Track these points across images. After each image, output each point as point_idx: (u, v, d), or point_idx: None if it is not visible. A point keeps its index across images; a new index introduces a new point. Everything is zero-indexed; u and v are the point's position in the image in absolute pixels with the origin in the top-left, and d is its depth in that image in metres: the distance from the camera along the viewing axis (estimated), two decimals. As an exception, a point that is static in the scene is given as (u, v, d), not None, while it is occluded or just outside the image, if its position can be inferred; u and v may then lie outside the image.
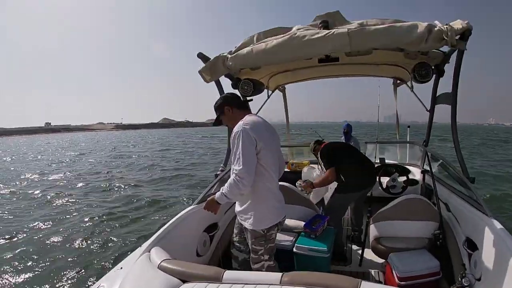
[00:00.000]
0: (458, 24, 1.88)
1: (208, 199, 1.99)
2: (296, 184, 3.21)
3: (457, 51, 2.25)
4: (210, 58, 2.42)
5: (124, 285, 1.44)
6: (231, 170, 1.93)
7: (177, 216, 2.25)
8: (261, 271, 2.06)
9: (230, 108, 2.04)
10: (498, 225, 1.87)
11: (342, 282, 1.37)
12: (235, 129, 1.91)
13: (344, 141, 5.41)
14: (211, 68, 2.41)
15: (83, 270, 4.19)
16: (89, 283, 3.67)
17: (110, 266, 1.85)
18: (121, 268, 1.70)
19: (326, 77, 4.07)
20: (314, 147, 3.44)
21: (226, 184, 1.91)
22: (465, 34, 1.89)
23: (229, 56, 2.34)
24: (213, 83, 2.73)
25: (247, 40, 2.35)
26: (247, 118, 1.97)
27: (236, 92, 2.83)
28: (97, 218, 6.44)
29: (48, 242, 5.25)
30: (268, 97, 4.03)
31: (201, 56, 2.47)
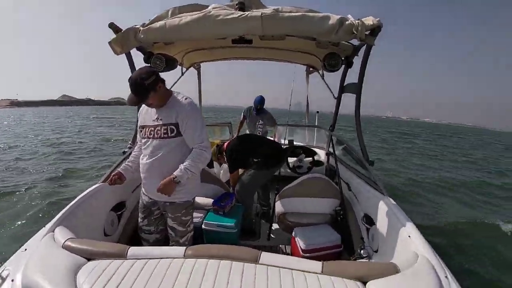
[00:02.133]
0: (369, 20, 2.03)
1: (162, 182, 1.96)
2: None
3: (366, 45, 2.45)
4: (122, 30, 2.37)
5: (28, 266, 1.44)
6: (195, 145, 2.02)
7: (82, 195, 2.20)
8: (185, 244, 2.19)
9: (161, 85, 1.99)
10: (392, 202, 2.16)
11: (243, 253, 1.51)
12: (188, 105, 2.01)
13: (255, 115, 5.38)
14: (122, 40, 2.35)
15: None
16: None
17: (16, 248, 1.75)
18: (25, 250, 1.68)
19: (240, 59, 4.22)
20: (218, 156, 3.35)
21: (189, 159, 1.99)
22: (375, 30, 2.07)
23: (142, 28, 2.30)
24: (123, 56, 2.66)
25: (162, 14, 2.34)
26: (181, 95, 2.09)
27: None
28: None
29: None
30: (182, 74, 4.07)
31: (113, 26, 2.40)
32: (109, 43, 2.38)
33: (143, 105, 2.17)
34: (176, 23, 2.19)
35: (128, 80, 1.94)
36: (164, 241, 2.36)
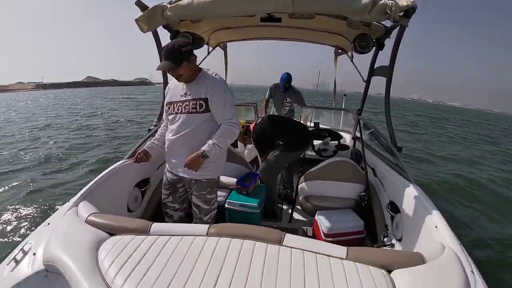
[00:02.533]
0: (403, 1, 1.97)
1: (190, 157, 1.95)
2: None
3: (399, 27, 2.39)
4: (148, 7, 2.36)
5: (51, 240, 1.46)
6: (224, 121, 2.03)
7: (106, 170, 2.25)
8: (209, 222, 2.23)
9: (194, 59, 2.03)
10: (419, 191, 2.11)
11: (267, 234, 1.50)
12: (218, 81, 2.04)
13: (282, 92, 5.13)
14: (149, 18, 2.34)
15: (10, 231, 4.05)
16: (19, 240, 3.54)
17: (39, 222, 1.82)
18: (48, 224, 1.71)
19: (268, 38, 4.20)
20: (244, 137, 3.38)
21: (218, 135, 1.98)
22: (409, 11, 2.00)
23: (169, 6, 2.29)
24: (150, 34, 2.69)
25: None
26: (211, 71, 2.12)
27: None
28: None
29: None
30: (208, 53, 4.08)
31: (139, 4, 2.39)
32: (136, 20, 2.38)
33: (171, 82, 2.21)
34: (203, 0, 2.15)
35: (164, 48, 1.97)
36: (188, 219, 2.40)
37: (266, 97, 5.38)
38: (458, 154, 11.56)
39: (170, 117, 2.16)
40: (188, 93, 2.05)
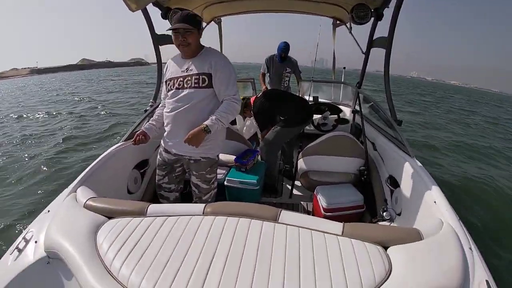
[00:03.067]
0: None
1: (192, 132, 1.94)
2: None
3: None
4: None
5: (51, 227, 1.49)
6: (226, 97, 2.02)
7: (104, 154, 2.26)
8: (208, 201, 2.25)
9: (202, 30, 2.06)
10: (419, 165, 2.12)
11: (263, 212, 1.52)
12: (222, 58, 2.06)
13: (279, 63, 4.93)
14: None
15: (12, 220, 4.10)
16: (21, 230, 3.64)
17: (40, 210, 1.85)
18: (48, 211, 1.73)
19: (263, 11, 4.12)
20: (244, 110, 3.35)
21: (220, 110, 1.97)
22: None
23: None
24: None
25: None
26: (217, 51, 2.14)
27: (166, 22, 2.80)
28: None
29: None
30: (202, 29, 4.01)
31: None
32: None
33: (169, 61, 2.19)
34: None
35: (177, 14, 1.98)
36: (182, 199, 2.42)
37: (262, 71, 5.17)
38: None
39: (169, 93, 2.12)
40: (190, 68, 2.02)
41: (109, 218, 1.55)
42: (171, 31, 1.96)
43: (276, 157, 3.34)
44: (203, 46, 2.10)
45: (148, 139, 2.21)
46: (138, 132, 2.21)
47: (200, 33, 2.02)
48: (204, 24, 4.03)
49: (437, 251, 1.25)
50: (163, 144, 2.24)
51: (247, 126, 3.87)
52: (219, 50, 5.15)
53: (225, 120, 1.98)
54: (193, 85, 2.00)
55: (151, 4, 2.49)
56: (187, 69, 2.03)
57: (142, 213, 1.56)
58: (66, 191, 1.85)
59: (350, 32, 3.78)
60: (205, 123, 1.93)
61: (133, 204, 1.65)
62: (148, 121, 2.32)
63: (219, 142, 2.22)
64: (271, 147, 3.19)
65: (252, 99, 3.29)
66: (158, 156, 2.30)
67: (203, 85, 2.00)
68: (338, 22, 4.32)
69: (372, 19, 2.95)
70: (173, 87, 2.08)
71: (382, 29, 3.08)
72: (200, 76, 1.99)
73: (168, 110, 2.11)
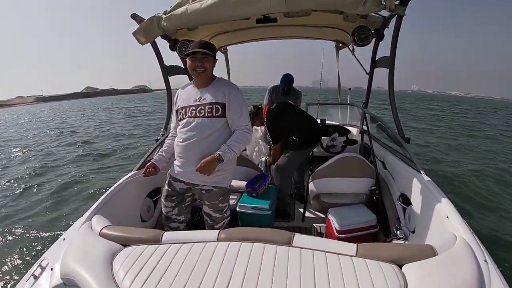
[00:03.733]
0: None
1: (204, 160, 1.98)
2: (262, 160, 3.59)
3: (396, 16, 2.42)
4: (144, 19, 2.42)
5: (67, 255, 1.53)
6: (239, 127, 2.09)
7: (117, 183, 2.35)
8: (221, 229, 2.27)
9: (215, 61, 2.16)
10: (430, 181, 2.14)
11: (276, 236, 1.55)
12: (235, 88, 2.14)
13: (282, 96, 4.59)
14: (146, 30, 2.41)
15: (27, 248, 4.24)
16: (35, 259, 3.72)
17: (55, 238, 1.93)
18: (64, 239, 1.79)
19: (266, 39, 4.24)
20: (254, 118, 3.31)
21: (232, 139, 2.04)
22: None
23: (164, 16, 2.34)
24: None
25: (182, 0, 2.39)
26: (225, 79, 2.26)
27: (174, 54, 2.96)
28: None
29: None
30: (216, 59, 4.14)
31: (135, 17, 2.46)
32: (133, 34, 2.44)
33: (179, 90, 2.28)
34: (197, 8, 2.19)
35: (197, 41, 2.11)
36: (193, 227, 2.46)
37: (265, 103, 4.69)
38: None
39: (181, 122, 2.15)
40: (203, 97, 2.08)
41: (124, 246, 1.59)
42: (188, 56, 2.05)
43: (289, 183, 3.39)
44: (215, 76, 2.18)
45: (158, 171, 2.26)
46: (148, 165, 2.26)
47: (214, 62, 2.12)
48: None
49: (451, 266, 1.26)
50: (172, 174, 2.25)
51: (257, 151, 3.92)
52: (227, 77, 5.26)
53: (237, 150, 2.03)
54: (206, 115, 2.05)
55: (159, 37, 2.60)
56: (199, 98, 2.09)
57: (157, 241, 1.60)
58: (81, 219, 1.91)
59: (353, 54, 3.91)
60: (218, 151, 1.97)
61: (148, 232, 1.70)
62: (158, 152, 2.37)
63: (231, 171, 2.25)
64: (284, 173, 3.25)
65: (264, 109, 3.33)
66: (166, 187, 2.28)
67: (217, 114, 2.05)
68: (340, 44, 4.44)
69: (374, 40, 3.02)
70: (185, 116, 2.11)
71: (383, 48, 3.18)
72: (214, 106, 2.05)
73: (181, 140, 2.13)
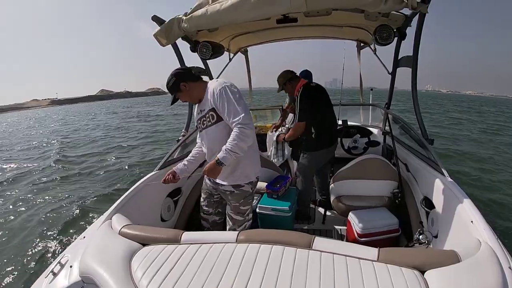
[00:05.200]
0: None
1: (206, 167, 2.10)
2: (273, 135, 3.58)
3: (419, 14, 2.43)
4: (165, 21, 2.52)
5: (86, 253, 1.60)
6: (232, 124, 2.07)
7: (138, 183, 2.45)
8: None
9: (185, 84, 2.21)
10: (454, 184, 2.13)
11: (296, 238, 1.57)
12: (216, 88, 2.11)
13: None
14: (166, 31, 2.51)
15: (48, 245, 4.51)
16: (55, 255, 3.91)
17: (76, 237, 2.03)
18: (84, 237, 1.88)
19: (287, 39, 4.32)
20: (286, 82, 3.35)
21: (230, 140, 2.04)
22: None
23: (184, 18, 2.44)
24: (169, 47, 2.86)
25: (202, 1, 2.44)
26: (216, 81, 2.24)
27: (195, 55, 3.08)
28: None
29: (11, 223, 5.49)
30: (230, 60, 4.28)
31: (156, 19, 2.57)
32: (154, 35, 2.56)
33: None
34: (217, 9, 2.27)
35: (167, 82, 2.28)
36: (223, 225, 2.53)
37: (287, 103, 4.73)
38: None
39: (199, 134, 2.42)
40: (203, 109, 2.25)
41: (144, 245, 1.65)
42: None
43: (311, 185, 3.44)
44: (206, 84, 2.27)
45: (177, 180, 2.37)
46: (169, 172, 2.37)
47: (182, 89, 2.21)
48: (231, 54, 4.30)
49: (475, 273, 1.26)
50: None
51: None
52: (248, 79, 5.35)
53: (236, 149, 2.03)
54: (208, 125, 2.24)
55: (180, 38, 2.70)
56: (201, 111, 2.28)
57: (176, 241, 1.66)
58: (102, 218, 2.01)
59: (375, 54, 3.92)
60: (217, 156, 2.06)
61: (167, 231, 1.76)
62: (181, 154, 2.53)
63: (252, 171, 2.31)
64: (306, 175, 3.32)
65: (301, 82, 3.32)
66: (204, 180, 2.53)
67: (214, 120, 2.20)
68: (362, 44, 4.46)
69: (396, 39, 3.01)
70: (198, 129, 2.38)
71: (406, 47, 3.19)
72: (209, 113, 2.20)
73: (202, 148, 2.41)
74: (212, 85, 2.17)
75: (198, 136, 2.45)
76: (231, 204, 2.33)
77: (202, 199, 2.54)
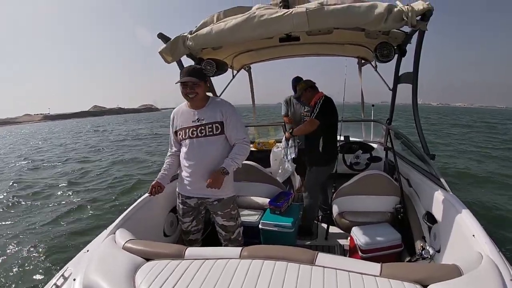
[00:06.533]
0: (419, 5, 2.08)
1: (212, 176, 2.23)
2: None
3: (418, 31, 2.51)
4: (170, 39, 2.64)
5: (90, 267, 1.62)
6: (238, 140, 2.38)
7: (141, 199, 2.52)
8: (238, 239, 2.54)
9: (206, 82, 2.38)
10: (456, 199, 2.19)
11: (299, 254, 1.60)
12: (229, 106, 2.40)
13: (296, 103, 4.61)
14: (172, 49, 2.63)
15: (50, 258, 4.59)
16: (58, 268, 3.93)
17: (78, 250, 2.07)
18: (87, 251, 1.93)
19: (289, 57, 4.48)
20: (308, 88, 3.47)
21: (234, 152, 2.34)
22: (426, 14, 2.11)
23: (189, 36, 2.56)
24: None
25: (207, 19, 2.58)
26: (221, 99, 2.52)
27: None
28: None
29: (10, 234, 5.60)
30: (233, 77, 4.41)
31: (161, 36, 2.69)
32: (160, 52, 2.68)
33: (175, 111, 2.52)
34: (221, 28, 2.41)
35: (185, 68, 2.35)
36: (204, 242, 2.65)
37: (283, 113, 4.86)
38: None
39: (184, 143, 2.44)
40: (202, 118, 2.35)
41: (147, 260, 1.68)
42: (180, 83, 2.29)
43: (317, 200, 3.53)
44: (209, 96, 2.44)
45: (163, 189, 2.45)
46: (153, 184, 2.42)
47: (207, 83, 2.40)
48: (234, 72, 4.45)
49: (477, 286, 1.29)
50: (184, 193, 2.49)
51: (282, 170, 4.03)
52: (251, 95, 5.55)
53: (239, 161, 2.35)
54: (207, 134, 2.34)
55: (185, 56, 2.82)
56: (198, 119, 2.36)
57: (180, 256, 1.69)
58: (105, 232, 2.06)
59: (376, 70, 4.05)
60: (223, 165, 2.28)
61: (171, 246, 1.80)
62: (161, 172, 2.55)
63: (232, 181, 2.55)
64: (313, 190, 3.41)
65: (320, 93, 3.46)
66: (181, 206, 2.54)
67: (217, 132, 2.34)
68: (363, 61, 4.61)
69: (396, 56, 3.12)
70: (185, 136, 2.40)
71: (405, 63, 3.33)
72: (213, 125, 2.33)
73: (187, 159, 2.42)
74: (223, 101, 2.45)
75: (182, 143, 2.46)
76: (223, 212, 2.47)
77: (187, 223, 2.56)
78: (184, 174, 2.45)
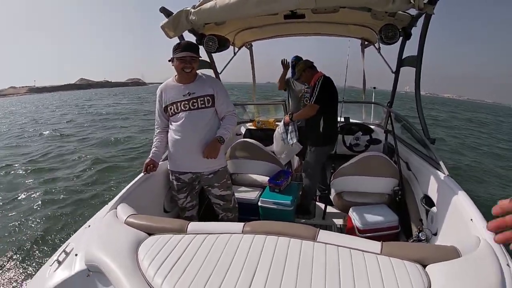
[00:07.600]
0: None
1: (209, 145, 2.44)
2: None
3: (425, 14, 2.54)
4: (173, 13, 2.62)
5: (91, 241, 1.65)
6: (228, 112, 2.61)
7: (141, 175, 2.53)
8: (235, 206, 2.76)
9: (200, 57, 2.51)
10: (455, 183, 2.22)
11: (301, 231, 1.66)
12: (213, 79, 2.67)
13: (295, 81, 4.48)
14: (174, 23, 2.61)
15: (51, 233, 4.66)
16: (59, 243, 3.99)
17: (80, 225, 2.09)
18: (89, 226, 1.95)
19: (293, 35, 4.51)
20: (307, 68, 3.47)
21: (226, 123, 2.58)
22: None
23: (192, 10, 2.54)
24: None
25: None
26: (209, 75, 2.73)
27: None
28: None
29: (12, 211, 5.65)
30: (235, 54, 4.42)
31: (164, 10, 2.68)
32: (162, 27, 2.67)
33: (162, 87, 2.59)
34: (226, 2, 2.38)
35: (181, 43, 2.47)
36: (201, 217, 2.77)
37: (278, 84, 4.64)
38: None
39: (175, 118, 2.52)
40: (193, 92, 2.47)
41: (149, 234, 1.72)
42: (177, 57, 2.38)
43: (317, 179, 3.62)
44: (197, 72, 2.60)
45: (157, 166, 2.58)
46: (147, 162, 2.52)
47: (199, 60, 2.52)
48: (235, 49, 4.45)
49: (475, 268, 1.33)
50: (177, 169, 2.61)
51: (287, 151, 4.03)
52: (252, 73, 5.65)
53: (231, 131, 2.64)
54: (199, 106, 2.48)
55: (187, 31, 2.83)
56: (188, 93, 2.48)
57: (182, 231, 1.73)
58: (106, 207, 2.08)
59: (379, 52, 4.08)
60: (219, 134, 2.50)
61: (173, 221, 1.84)
62: (152, 149, 2.63)
63: (223, 156, 2.79)
64: (313, 170, 3.47)
65: (319, 73, 3.45)
66: (175, 182, 2.64)
67: (209, 105, 2.51)
68: (366, 43, 4.63)
69: (401, 38, 3.14)
70: (178, 110, 2.49)
71: (410, 47, 3.23)
72: (205, 98, 2.49)
73: (179, 133, 2.51)
74: (211, 76, 2.71)
75: (172, 119, 2.53)
76: (220, 182, 2.65)
77: (183, 199, 2.69)
78: (176, 149, 2.53)
